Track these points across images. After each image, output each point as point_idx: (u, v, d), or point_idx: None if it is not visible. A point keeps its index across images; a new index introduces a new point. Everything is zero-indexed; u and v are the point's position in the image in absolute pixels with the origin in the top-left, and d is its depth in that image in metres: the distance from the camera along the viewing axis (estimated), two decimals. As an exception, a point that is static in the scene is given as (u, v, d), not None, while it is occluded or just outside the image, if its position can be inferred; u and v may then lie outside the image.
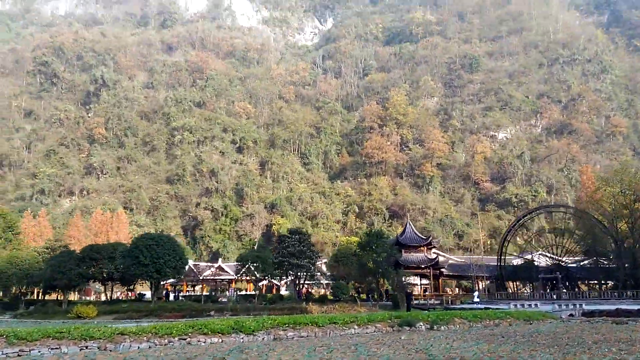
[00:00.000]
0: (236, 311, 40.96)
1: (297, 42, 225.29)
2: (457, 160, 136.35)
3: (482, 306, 44.33)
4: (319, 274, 54.41)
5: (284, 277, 55.10)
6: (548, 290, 58.37)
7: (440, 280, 66.24)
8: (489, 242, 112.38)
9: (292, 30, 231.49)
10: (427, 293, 62.92)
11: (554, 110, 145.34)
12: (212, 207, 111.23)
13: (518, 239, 69.34)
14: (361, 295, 56.64)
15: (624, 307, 38.50)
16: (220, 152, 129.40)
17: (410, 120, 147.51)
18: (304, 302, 45.46)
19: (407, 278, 54.71)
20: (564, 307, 40.67)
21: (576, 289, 58.96)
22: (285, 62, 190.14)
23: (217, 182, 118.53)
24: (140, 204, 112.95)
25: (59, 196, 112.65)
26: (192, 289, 71.04)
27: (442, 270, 63.87)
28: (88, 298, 64.97)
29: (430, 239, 64.70)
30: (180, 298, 53.57)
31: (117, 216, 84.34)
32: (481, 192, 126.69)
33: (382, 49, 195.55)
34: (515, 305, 44.13)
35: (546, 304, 43.42)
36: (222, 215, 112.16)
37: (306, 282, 52.29)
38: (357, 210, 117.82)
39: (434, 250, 66.14)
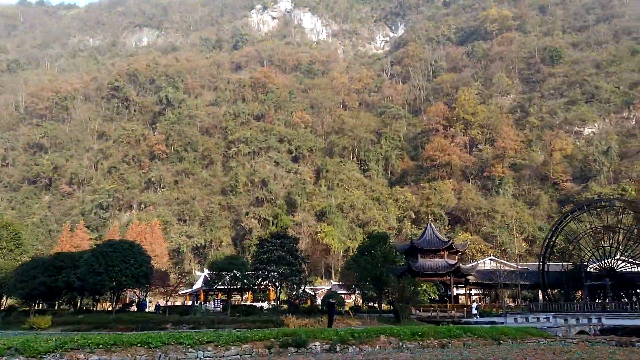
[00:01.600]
0: (198, 324, 36.32)
1: (367, 52, 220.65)
2: (534, 159, 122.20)
3: (476, 320, 36.09)
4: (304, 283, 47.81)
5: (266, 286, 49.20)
6: (598, 301, 47.14)
7: (467, 288, 56.99)
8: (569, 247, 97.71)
9: (363, 40, 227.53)
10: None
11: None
12: (260, 216, 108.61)
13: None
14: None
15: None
16: (274, 162, 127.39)
17: (480, 120, 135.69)
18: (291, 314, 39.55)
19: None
20: (572, 321, 31.41)
21: (633, 299, 47.18)
22: (352, 71, 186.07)
23: (267, 191, 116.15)
24: (193, 215, 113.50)
25: (119, 210, 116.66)
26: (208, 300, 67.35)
27: (469, 278, 54.65)
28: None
29: (450, 242, 55.75)
30: (160, 310, 48.99)
31: (152, 227, 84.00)
32: (560, 192, 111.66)
33: (453, 49, 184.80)
34: (516, 319, 35.00)
35: (559, 317, 34.18)
36: (271, 224, 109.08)
37: (292, 291, 46.16)
38: (413, 216, 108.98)
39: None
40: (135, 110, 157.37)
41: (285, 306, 48.95)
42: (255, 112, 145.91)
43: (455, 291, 61.10)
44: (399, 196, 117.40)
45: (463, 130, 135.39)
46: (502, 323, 34.05)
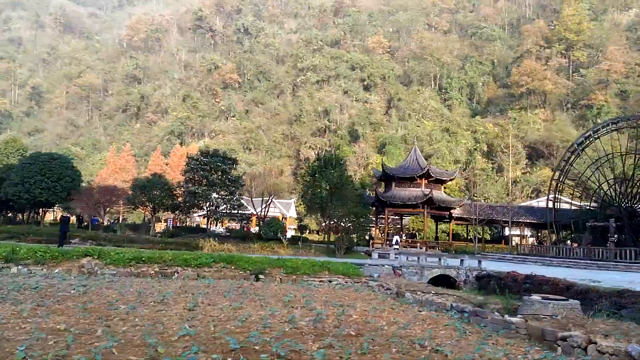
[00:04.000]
0: (108, 242, 34.69)
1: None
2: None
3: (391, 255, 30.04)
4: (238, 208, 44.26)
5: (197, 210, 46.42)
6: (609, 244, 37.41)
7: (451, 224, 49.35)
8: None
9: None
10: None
11: None
12: (318, 146, 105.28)
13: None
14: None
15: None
16: (343, 91, 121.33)
17: (586, 39, 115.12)
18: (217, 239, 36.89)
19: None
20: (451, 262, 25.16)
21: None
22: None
23: (328, 121, 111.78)
24: (257, 144, 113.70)
25: (191, 138, 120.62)
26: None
27: (452, 211, 46.89)
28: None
29: (426, 168, 47.66)
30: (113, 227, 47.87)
31: (188, 152, 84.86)
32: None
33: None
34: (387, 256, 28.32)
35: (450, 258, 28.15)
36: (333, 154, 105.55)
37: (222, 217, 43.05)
38: (485, 149, 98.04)
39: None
40: (219, 41, 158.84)
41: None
42: (329, 38, 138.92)
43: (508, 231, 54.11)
44: (478, 127, 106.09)
45: (563, 52, 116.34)
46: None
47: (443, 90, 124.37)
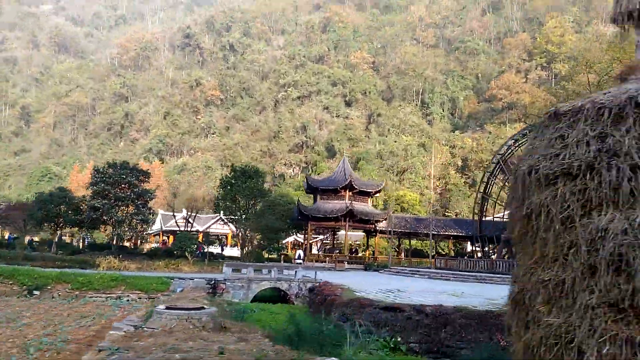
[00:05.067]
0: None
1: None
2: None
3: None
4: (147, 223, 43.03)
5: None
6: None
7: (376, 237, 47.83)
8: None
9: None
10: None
11: None
12: (292, 162, 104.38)
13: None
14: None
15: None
16: (324, 107, 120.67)
17: (567, 51, 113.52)
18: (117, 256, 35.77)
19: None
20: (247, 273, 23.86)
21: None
22: (435, 3, 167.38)
23: (306, 137, 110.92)
24: (235, 161, 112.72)
25: (170, 155, 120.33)
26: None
27: (378, 224, 45.36)
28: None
29: (349, 180, 46.27)
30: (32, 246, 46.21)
31: (153, 167, 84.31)
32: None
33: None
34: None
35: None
36: (310, 170, 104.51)
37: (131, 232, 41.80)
38: (460, 163, 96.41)
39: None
40: (207, 58, 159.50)
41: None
42: (313, 53, 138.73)
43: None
44: (457, 142, 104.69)
45: (545, 65, 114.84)
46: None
47: (425, 105, 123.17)
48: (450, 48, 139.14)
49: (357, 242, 65.77)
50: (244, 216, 39.72)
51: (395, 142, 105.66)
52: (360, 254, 53.29)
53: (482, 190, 46.13)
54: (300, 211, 44.45)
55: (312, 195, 55.16)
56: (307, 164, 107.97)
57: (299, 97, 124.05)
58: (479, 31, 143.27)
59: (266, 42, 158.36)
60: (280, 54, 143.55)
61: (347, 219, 44.51)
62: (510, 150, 44.15)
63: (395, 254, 52.93)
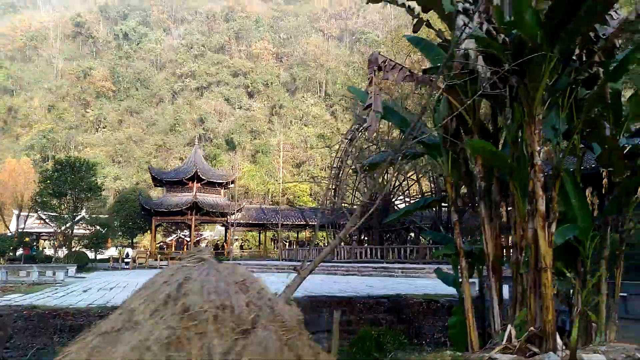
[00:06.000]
0: None
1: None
2: None
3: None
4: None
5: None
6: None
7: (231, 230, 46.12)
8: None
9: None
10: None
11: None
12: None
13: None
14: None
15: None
16: (225, 97, 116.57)
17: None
18: None
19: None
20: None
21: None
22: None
23: (204, 129, 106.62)
24: (128, 156, 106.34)
25: (57, 151, 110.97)
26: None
27: (231, 216, 43.54)
28: None
29: (194, 170, 44.16)
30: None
31: (21, 165, 76.69)
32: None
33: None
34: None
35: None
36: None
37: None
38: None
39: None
40: (101, 48, 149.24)
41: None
42: (213, 43, 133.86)
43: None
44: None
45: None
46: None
47: (328, 97, 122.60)
48: (353, 39, 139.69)
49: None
50: (67, 214, 35.77)
51: (298, 134, 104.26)
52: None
53: (336, 173, 43.70)
54: (142, 206, 40.96)
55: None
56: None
57: (197, 89, 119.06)
58: (380, 23, 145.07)
59: (165, 31, 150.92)
60: (178, 43, 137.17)
61: (194, 213, 41.64)
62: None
63: (282, 245, 50.69)
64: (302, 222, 48.69)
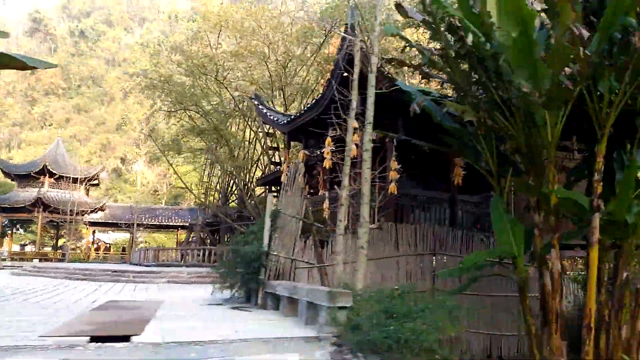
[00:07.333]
0: None
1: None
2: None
3: None
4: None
5: None
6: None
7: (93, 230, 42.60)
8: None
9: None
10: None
11: None
12: (129, 156, 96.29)
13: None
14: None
15: None
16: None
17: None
18: None
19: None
20: None
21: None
22: None
23: (151, 130, 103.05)
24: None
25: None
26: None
27: (92, 214, 40.01)
28: None
29: (42, 164, 40.56)
30: None
31: None
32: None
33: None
34: None
35: None
36: (154, 165, 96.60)
37: None
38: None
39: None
40: (60, 46, 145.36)
41: None
42: (170, 41, 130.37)
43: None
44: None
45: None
46: None
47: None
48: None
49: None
50: None
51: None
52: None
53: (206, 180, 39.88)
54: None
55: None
56: (150, 158, 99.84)
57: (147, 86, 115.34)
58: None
59: (125, 30, 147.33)
60: (133, 41, 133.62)
61: (42, 210, 37.84)
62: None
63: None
64: (168, 223, 44.66)
